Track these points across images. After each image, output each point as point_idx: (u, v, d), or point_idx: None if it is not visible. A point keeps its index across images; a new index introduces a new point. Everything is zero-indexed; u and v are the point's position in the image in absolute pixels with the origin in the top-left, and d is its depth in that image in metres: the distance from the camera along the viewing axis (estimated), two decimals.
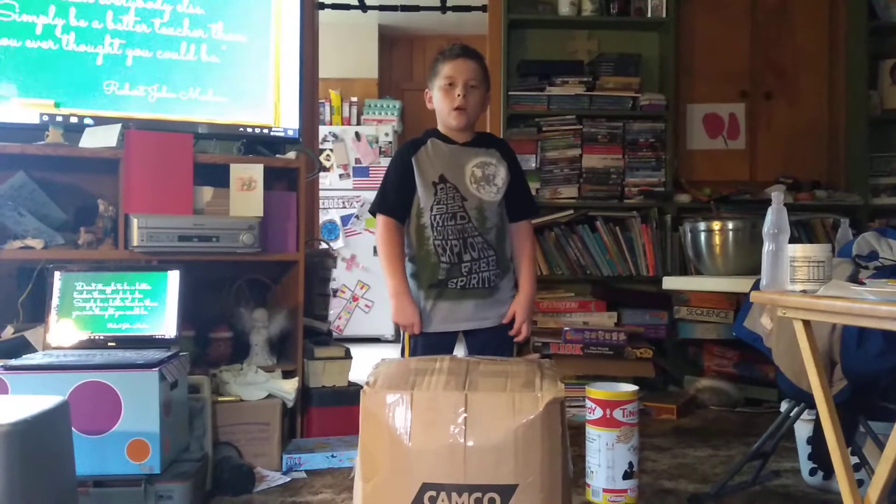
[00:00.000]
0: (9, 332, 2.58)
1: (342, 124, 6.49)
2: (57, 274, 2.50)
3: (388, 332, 6.28)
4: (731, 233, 2.99)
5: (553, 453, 1.57)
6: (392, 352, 5.51)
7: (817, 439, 2.19)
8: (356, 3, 6.28)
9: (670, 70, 4.19)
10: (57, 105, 2.80)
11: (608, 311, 3.96)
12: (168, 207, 2.73)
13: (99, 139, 2.74)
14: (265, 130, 3.10)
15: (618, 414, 2.25)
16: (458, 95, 2.17)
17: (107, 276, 2.52)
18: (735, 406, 3.79)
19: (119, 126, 2.76)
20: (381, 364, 1.75)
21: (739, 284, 2.66)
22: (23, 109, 2.76)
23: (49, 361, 2.24)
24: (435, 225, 2.17)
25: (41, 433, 1.64)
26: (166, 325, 2.50)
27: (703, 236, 3.06)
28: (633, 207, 4.13)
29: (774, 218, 1.87)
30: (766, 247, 1.87)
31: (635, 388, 2.31)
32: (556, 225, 4.06)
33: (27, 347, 2.50)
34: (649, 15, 4.19)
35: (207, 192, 2.85)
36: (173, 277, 2.54)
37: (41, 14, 2.77)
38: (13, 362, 2.23)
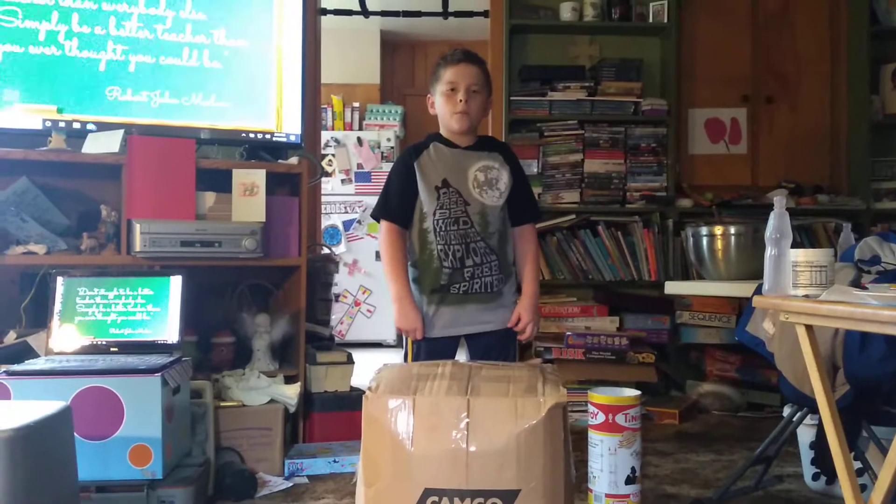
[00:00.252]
0: (11, 337, 2.59)
1: (344, 129, 6.50)
2: (59, 279, 2.50)
3: (390, 337, 6.28)
4: (733, 237, 2.98)
5: (555, 458, 1.57)
6: (394, 357, 5.51)
7: (820, 444, 2.18)
8: (358, 9, 6.30)
9: (672, 75, 4.20)
10: (60, 111, 2.81)
11: (610, 316, 3.96)
12: (170, 213, 2.74)
13: (101, 145, 2.75)
14: (267, 136, 3.11)
15: (620, 419, 2.24)
16: (461, 100, 2.17)
17: (109, 281, 2.53)
18: (737, 411, 3.78)
19: (122, 132, 2.77)
20: (384, 369, 1.75)
21: (742, 289, 2.66)
22: (26, 115, 2.77)
23: (51, 367, 2.24)
24: (437, 230, 2.17)
25: (43, 438, 1.64)
26: (169, 330, 2.51)
27: (705, 241, 3.05)
28: (635, 212, 4.13)
29: (777, 222, 1.87)
30: (769, 251, 1.87)
31: (638, 392, 2.31)
32: (559, 230, 4.06)
33: (30, 353, 2.51)
34: (651, 20, 4.20)
35: (210, 198, 2.86)
36: (176, 283, 2.54)
37: (44, 20, 2.78)
38: (16, 367, 2.23)
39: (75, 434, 1.84)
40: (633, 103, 4.15)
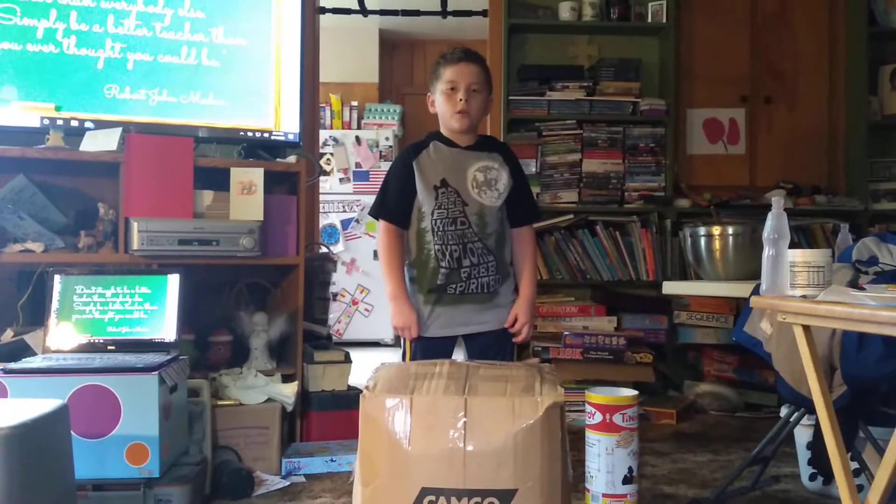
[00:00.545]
0: (8, 335, 2.58)
1: (343, 128, 6.49)
2: (57, 277, 2.50)
3: (388, 336, 6.28)
4: (731, 238, 2.99)
5: (553, 458, 1.57)
6: (392, 356, 5.51)
7: (817, 444, 2.19)
8: (357, 8, 6.29)
9: (670, 75, 4.20)
10: (57, 108, 2.80)
11: (608, 316, 3.96)
12: (168, 211, 2.73)
13: (99, 143, 2.74)
14: (266, 134, 3.10)
15: (617, 419, 2.24)
16: (461, 100, 2.16)
17: (107, 279, 2.52)
18: (735, 411, 3.79)
19: (119, 130, 2.76)
20: (381, 368, 1.75)
21: (739, 289, 2.66)
22: (23, 113, 2.76)
23: (48, 365, 2.24)
24: (435, 229, 2.16)
25: (40, 437, 1.64)
26: (166, 328, 2.50)
27: (703, 241, 3.06)
28: (634, 212, 4.13)
29: (774, 223, 1.88)
30: (766, 252, 1.87)
31: (635, 392, 2.31)
32: (557, 229, 4.06)
33: (27, 351, 2.50)
34: (649, 20, 4.20)
35: (208, 196, 2.85)
36: (173, 281, 2.54)
37: (42, 18, 2.78)
38: (13, 366, 2.23)
39: (72, 432, 1.83)
40: (631, 103, 4.15)
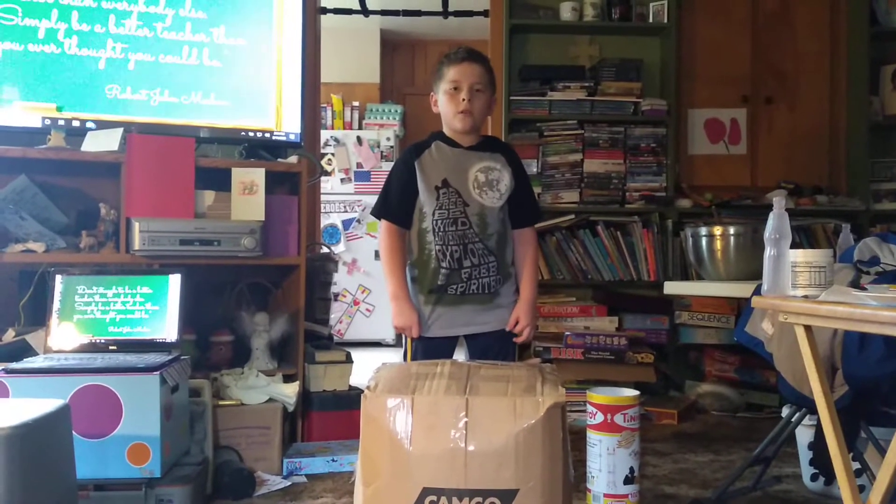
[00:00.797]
0: (10, 335, 2.59)
1: (344, 129, 6.49)
2: (58, 277, 2.50)
3: (390, 336, 6.28)
4: (732, 238, 2.99)
5: (554, 458, 1.57)
6: (393, 356, 5.51)
7: (818, 444, 2.19)
8: (358, 8, 6.29)
9: (672, 75, 4.20)
10: (59, 109, 2.81)
11: (609, 316, 3.96)
12: (170, 211, 2.74)
13: (101, 143, 2.74)
14: (267, 134, 3.10)
15: (619, 419, 2.24)
16: (463, 99, 2.16)
17: (108, 279, 2.53)
18: (736, 411, 3.79)
19: (121, 130, 2.77)
20: (382, 368, 1.75)
21: (741, 289, 2.66)
22: (25, 113, 2.77)
23: (50, 365, 2.24)
24: (436, 230, 2.16)
25: (42, 437, 1.64)
26: (167, 328, 2.50)
27: (704, 241, 3.06)
28: (635, 212, 4.13)
29: (776, 223, 1.87)
30: (768, 252, 1.87)
31: (636, 392, 2.31)
32: (558, 230, 4.06)
33: (28, 351, 2.50)
34: (651, 20, 4.20)
35: (209, 196, 2.86)
36: (174, 281, 2.54)
37: (44, 18, 2.78)
38: (14, 366, 2.23)
39: (73, 432, 1.84)
40: (632, 103, 4.15)
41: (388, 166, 6.22)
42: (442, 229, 2.16)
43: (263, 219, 2.85)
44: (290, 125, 3.14)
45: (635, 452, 2.27)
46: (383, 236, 2.22)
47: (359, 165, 6.35)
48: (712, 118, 4.39)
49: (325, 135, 6.12)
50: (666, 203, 4.13)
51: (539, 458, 1.55)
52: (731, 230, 3.01)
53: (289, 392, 2.80)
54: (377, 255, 6.17)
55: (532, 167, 4.08)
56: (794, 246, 1.83)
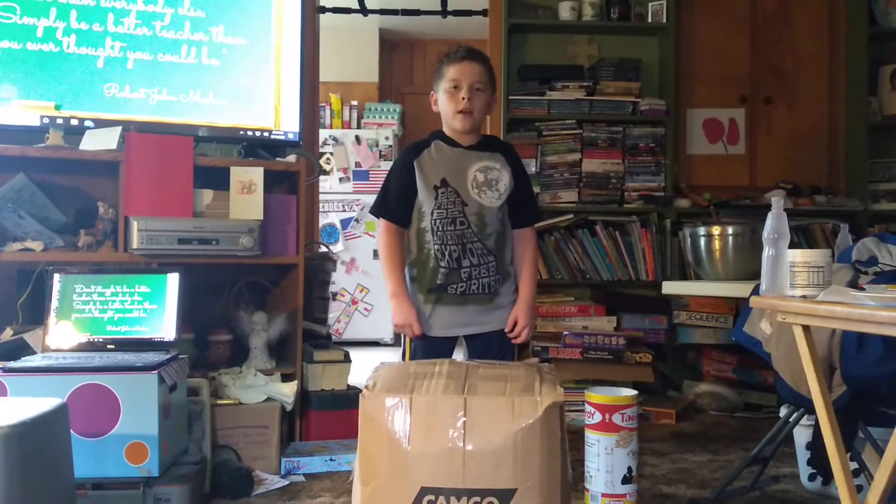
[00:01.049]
0: (8, 334, 2.58)
1: (342, 128, 6.49)
2: (56, 276, 2.50)
3: (388, 335, 6.28)
4: (730, 238, 2.99)
5: (552, 457, 1.57)
6: (391, 355, 5.51)
7: (816, 444, 2.19)
8: (357, 7, 6.29)
9: (670, 75, 4.20)
10: (57, 107, 2.80)
11: (608, 316, 3.96)
12: (168, 210, 2.73)
13: (99, 142, 2.74)
14: (265, 133, 3.10)
15: (617, 418, 2.24)
16: (463, 98, 2.15)
17: (106, 278, 2.52)
18: (734, 411, 3.79)
19: (119, 128, 2.76)
20: (381, 368, 1.75)
21: (739, 289, 2.66)
22: (23, 111, 2.76)
23: (48, 364, 2.24)
24: (435, 229, 2.16)
25: (40, 435, 1.64)
26: (165, 327, 2.50)
27: (702, 241, 3.06)
28: (633, 212, 4.13)
29: (774, 223, 1.87)
30: (766, 252, 1.87)
31: (634, 392, 2.31)
32: (556, 229, 4.06)
33: (26, 349, 2.50)
34: (649, 20, 4.20)
35: (207, 195, 2.85)
36: (173, 280, 2.54)
37: (42, 16, 2.78)
38: (12, 364, 2.23)
39: (71, 431, 1.83)
40: (631, 103, 4.15)
41: (386, 166, 6.22)
42: (440, 229, 2.16)
43: (262, 218, 2.85)
44: (288, 124, 3.14)
45: (633, 452, 2.27)
46: (382, 235, 2.22)
47: (357, 165, 6.35)
48: (711, 118, 4.39)
49: (323, 134, 6.12)
50: (664, 203, 4.13)
51: (537, 457, 1.55)
52: (730, 230, 3.01)
53: (287, 391, 2.80)
54: (376, 254, 6.18)
55: (531, 167, 4.08)
56: (792, 246, 1.84)
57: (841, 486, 1.67)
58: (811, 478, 2.54)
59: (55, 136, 2.72)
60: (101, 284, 2.51)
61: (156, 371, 2.21)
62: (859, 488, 1.78)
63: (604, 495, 2.28)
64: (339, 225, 6.29)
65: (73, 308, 2.48)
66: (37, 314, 2.62)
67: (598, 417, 2.27)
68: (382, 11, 6.44)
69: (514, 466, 1.55)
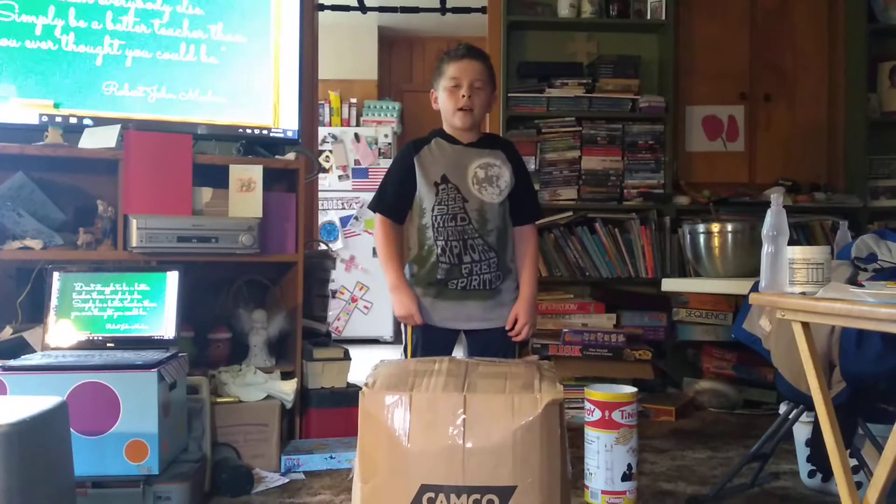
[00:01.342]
0: (7, 332, 2.58)
1: (341, 126, 6.49)
2: (56, 274, 2.50)
3: (387, 333, 6.28)
4: (730, 235, 2.99)
5: (552, 455, 1.57)
6: (391, 353, 5.51)
7: (816, 441, 2.19)
8: (356, 5, 6.28)
9: (669, 72, 4.19)
10: (56, 105, 2.80)
11: (607, 313, 3.96)
12: (167, 208, 2.73)
13: (98, 140, 2.74)
14: (264, 131, 3.10)
15: (616, 416, 2.25)
16: (463, 96, 2.16)
17: (106, 276, 2.52)
18: (734, 408, 3.79)
19: (118, 127, 2.76)
20: (380, 365, 1.75)
21: (738, 286, 2.67)
22: (22, 110, 2.76)
23: (48, 362, 2.24)
24: (436, 225, 2.17)
25: (40, 434, 1.64)
26: (165, 325, 2.50)
27: (702, 238, 3.06)
28: (633, 209, 4.13)
29: (773, 220, 1.87)
30: (765, 249, 1.87)
31: (634, 389, 2.31)
32: (556, 227, 4.06)
33: (26, 348, 2.50)
34: (649, 17, 4.19)
35: (206, 193, 2.85)
36: (172, 278, 2.54)
37: (41, 14, 2.77)
38: (12, 363, 2.22)
39: (71, 429, 1.83)
40: (630, 100, 4.15)
41: (385, 163, 6.22)
42: (441, 225, 2.16)
43: (261, 216, 2.85)
44: (287, 122, 3.14)
45: (633, 449, 2.27)
46: (378, 231, 2.24)
47: (356, 162, 6.35)
48: (710, 115, 4.39)
49: (322, 132, 6.11)
50: (664, 200, 4.13)
51: (537, 454, 1.56)
52: (729, 227, 3.01)
53: (287, 389, 2.80)
54: (375, 252, 6.19)
55: (530, 164, 4.07)
56: (791, 243, 1.84)
57: (840, 482, 1.67)
58: (811, 474, 2.55)
59: (54, 134, 2.71)
60: (101, 283, 2.51)
61: (155, 369, 2.21)
62: (859, 485, 1.78)
63: (603, 492, 2.29)
64: (338, 223, 6.29)
65: (73, 306, 2.48)
66: (36, 313, 2.62)
67: (597, 415, 2.27)
68: (381, 9, 6.44)
69: (513, 464, 1.55)
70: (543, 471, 1.56)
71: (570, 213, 4.07)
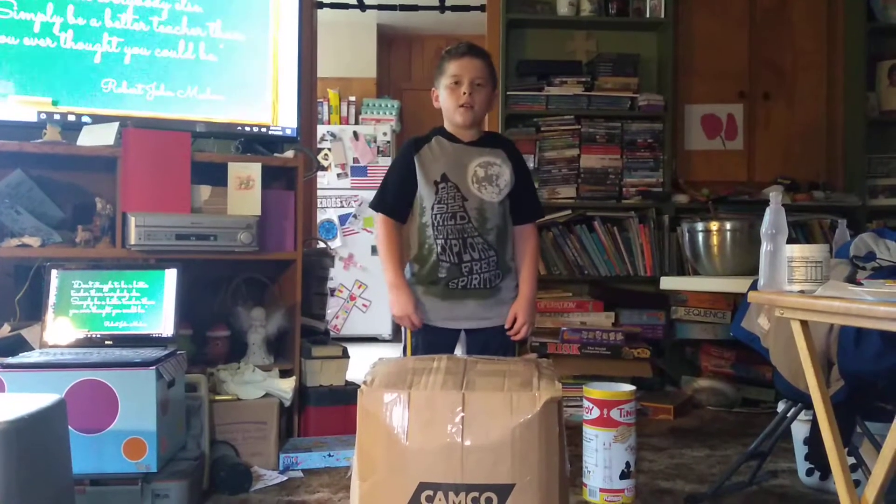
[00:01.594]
0: (5, 330, 2.58)
1: (340, 124, 6.48)
2: (54, 272, 2.49)
3: (386, 331, 6.28)
4: (728, 233, 2.99)
5: (550, 453, 1.57)
6: (390, 351, 5.51)
7: (814, 440, 2.19)
8: (355, 3, 6.28)
9: (668, 70, 4.19)
10: (55, 103, 2.80)
11: (606, 312, 3.96)
12: (166, 206, 2.73)
13: (97, 137, 2.74)
14: (263, 129, 3.10)
15: (615, 414, 2.25)
16: (465, 93, 2.16)
17: (104, 274, 2.52)
18: (732, 406, 3.79)
19: (117, 124, 2.76)
20: (379, 363, 1.75)
21: (737, 285, 2.67)
22: (20, 107, 2.76)
23: (46, 360, 2.24)
24: (435, 224, 2.17)
25: (38, 431, 1.63)
26: (163, 323, 2.50)
27: (700, 237, 3.06)
28: (631, 208, 4.13)
29: (772, 218, 1.87)
30: (764, 247, 1.87)
31: (632, 388, 2.31)
32: (554, 225, 4.06)
33: (24, 346, 2.50)
34: (648, 15, 4.19)
35: (205, 191, 2.85)
36: (171, 276, 2.54)
37: (39, 12, 2.77)
38: (10, 360, 2.22)
39: (69, 427, 1.83)
40: (629, 98, 4.15)
41: (384, 161, 6.22)
42: (441, 223, 2.16)
43: (260, 214, 2.85)
44: (286, 120, 3.13)
45: (631, 447, 2.28)
46: (379, 229, 2.23)
47: (355, 161, 6.34)
48: (709, 114, 4.39)
49: (321, 130, 6.11)
50: (662, 198, 4.13)
51: (535, 452, 1.55)
52: (728, 225, 3.01)
53: (285, 387, 2.80)
54: (374, 250, 6.23)
55: (529, 162, 4.06)
56: (790, 241, 1.84)
57: (839, 481, 1.67)
58: (809, 473, 2.55)
59: (52, 131, 2.71)
60: (99, 280, 2.50)
61: (154, 367, 2.21)
62: (857, 483, 1.78)
63: (602, 490, 2.29)
64: (336, 221, 6.29)
65: (71, 304, 2.48)
66: (34, 310, 2.61)
67: (596, 413, 2.27)
68: (380, 7, 6.43)
69: (512, 462, 1.55)
70: (542, 469, 1.56)
71: (569, 212, 4.07)
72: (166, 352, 2.37)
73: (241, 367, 2.84)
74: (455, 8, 6.31)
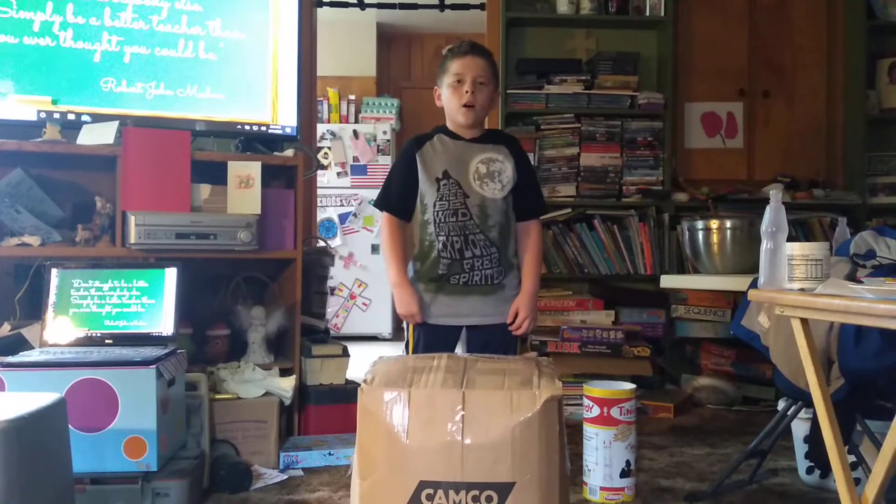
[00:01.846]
0: (5, 329, 2.58)
1: (340, 122, 6.48)
2: (54, 271, 2.49)
3: (386, 330, 6.28)
4: (728, 231, 2.99)
5: (550, 451, 1.57)
6: (390, 350, 5.51)
7: (814, 438, 2.19)
8: (354, 1, 6.28)
9: (668, 68, 4.19)
10: (54, 102, 2.80)
11: (606, 310, 3.95)
12: (165, 205, 2.73)
13: (96, 136, 2.74)
14: (263, 128, 3.10)
15: (615, 412, 2.25)
16: (466, 92, 2.16)
17: (104, 273, 2.52)
18: (732, 404, 3.79)
19: (116, 123, 2.76)
20: (379, 362, 1.75)
21: (737, 283, 2.67)
22: (20, 106, 2.76)
23: (46, 359, 2.24)
24: (437, 221, 2.17)
25: (38, 430, 1.63)
26: (164, 322, 2.50)
27: (700, 235, 3.06)
28: (631, 206, 4.13)
29: (772, 216, 1.87)
30: (764, 245, 1.87)
31: (633, 386, 2.32)
32: (554, 223, 4.06)
33: (24, 345, 2.50)
34: (648, 13, 4.19)
35: (205, 190, 2.85)
36: (171, 275, 2.54)
37: (39, 11, 2.77)
38: (10, 359, 2.22)
39: (70, 426, 1.83)
40: (629, 97, 4.15)
41: (384, 160, 6.22)
42: (443, 220, 2.16)
43: (259, 212, 2.85)
44: (286, 118, 3.13)
45: (631, 446, 2.28)
46: (383, 228, 2.24)
47: (355, 159, 6.34)
48: (709, 112, 4.39)
49: (321, 128, 6.11)
50: (662, 197, 4.13)
51: (536, 451, 1.55)
52: (728, 224, 3.01)
53: (285, 386, 2.80)
54: (374, 249, 6.24)
55: None
56: (790, 239, 1.83)
57: (839, 479, 1.67)
58: (809, 471, 2.55)
59: (52, 130, 2.71)
60: (99, 279, 2.50)
61: (154, 366, 2.21)
62: (857, 481, 1.79)
63: (602, 488, 2.29)
64: (336, 220, 6.29)
65: (71, 303, 2.48)
66: (34, 309, 2.62)
67: (596, 411, 2.28)
68: (380, 5, 6.42)
69: (512, 460, 1.55)
70: (542, 467, 1.56)
71: (569, 210, 4.07)
72: (166, 350, 2.37)
73: (242, 365, 2.84)
74: (455, 6, 6.31)
